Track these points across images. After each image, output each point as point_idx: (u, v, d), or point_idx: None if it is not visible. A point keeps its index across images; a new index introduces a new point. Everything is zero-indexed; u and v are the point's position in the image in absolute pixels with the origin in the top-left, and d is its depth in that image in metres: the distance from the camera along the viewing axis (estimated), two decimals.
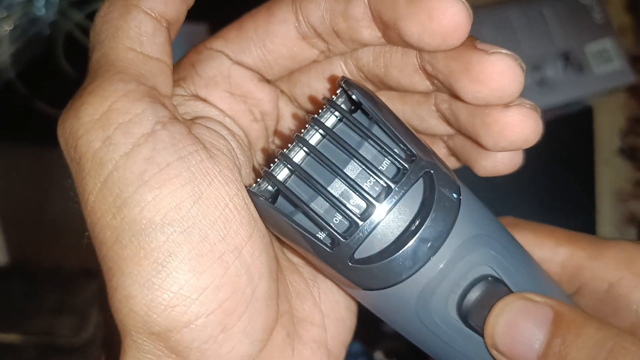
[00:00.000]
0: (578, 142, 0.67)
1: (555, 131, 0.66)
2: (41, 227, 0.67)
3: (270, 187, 0.21)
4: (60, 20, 0.68)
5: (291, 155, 0.20)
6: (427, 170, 0.20)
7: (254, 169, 0.24)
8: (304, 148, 0.20)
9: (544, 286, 0.23)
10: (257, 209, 0.21)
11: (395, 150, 0.20)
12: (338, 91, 0.21)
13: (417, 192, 0.20)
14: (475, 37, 0.21)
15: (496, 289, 0.21)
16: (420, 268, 0.20)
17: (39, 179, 0.68)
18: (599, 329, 0.19)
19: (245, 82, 0.24)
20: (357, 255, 0.20)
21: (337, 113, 0.21)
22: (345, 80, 0.21)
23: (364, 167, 0.20)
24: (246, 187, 0.21)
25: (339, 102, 0.21)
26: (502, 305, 0.20)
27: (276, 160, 0.20)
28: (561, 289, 0.24)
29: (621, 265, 0.23)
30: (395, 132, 0.20)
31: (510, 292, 0.21)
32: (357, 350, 0.58)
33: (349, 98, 0.21)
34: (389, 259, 0.20)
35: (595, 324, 0.19)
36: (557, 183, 0.65)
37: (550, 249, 0.25)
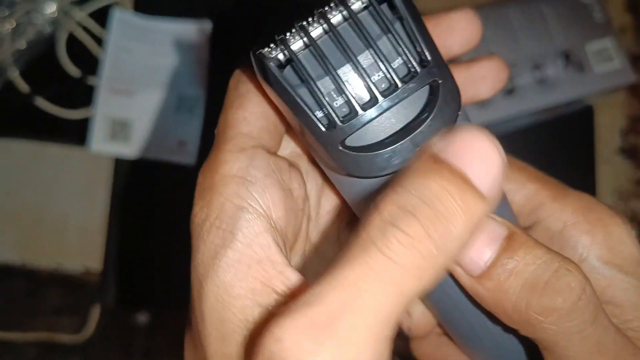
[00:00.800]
0: (578, 141, 0.67)
1: (556, 130, 0.67)
2: (43, 225, 0.67)
3: (280, 56, 0.20)
4: (62, 19, 0.68)
5: (309, 29, 0.20)
6: (436, 79, 0.20)
7: None
8: (324, 25, 0.20)
9: (504, 212, 0.23)
10: (262, 75, 0.20)
11: (412, 51, 0.20)
12: None
13: (421, 97, 0.20)
14: None
15: None
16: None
17: (41, 177, 0.68)
18: (547, 252, 0.20)
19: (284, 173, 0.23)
20: (349, 142, 0.20)
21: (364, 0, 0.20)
22: None
23: (376, 59, 0.20)
24: (256, 51, 0.20)
25: None
26: None
27: (293, 30, 0.20)
28: (517, 220, 0.25)
29: (578, 211, 0.24)
30: (416, 34, 0.20)
31: None
32: None
33: None
34: (378, 151, 0.20)
35: (544, 248, 0.20)
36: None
37: (520, 183, 0.26)
